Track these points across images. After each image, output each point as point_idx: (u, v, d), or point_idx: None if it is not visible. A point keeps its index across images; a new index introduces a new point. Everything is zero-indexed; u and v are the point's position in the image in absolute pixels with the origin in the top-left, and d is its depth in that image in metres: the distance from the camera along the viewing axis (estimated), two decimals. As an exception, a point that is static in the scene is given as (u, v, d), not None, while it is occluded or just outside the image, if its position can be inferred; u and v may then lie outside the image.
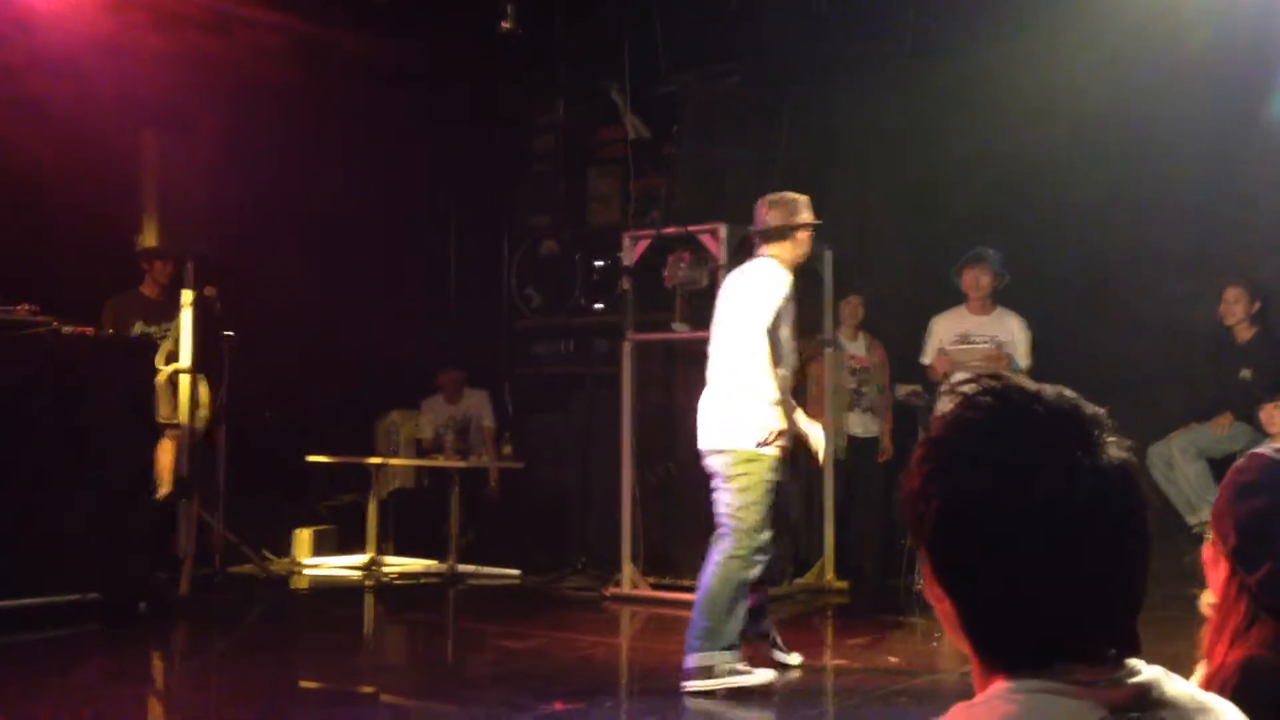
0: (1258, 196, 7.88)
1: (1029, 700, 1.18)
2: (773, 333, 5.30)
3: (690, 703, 5.10)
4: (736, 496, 5.17)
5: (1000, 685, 1.20)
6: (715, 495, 5.26)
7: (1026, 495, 1.18)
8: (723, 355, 5.38)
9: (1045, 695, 1.18)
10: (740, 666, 5.09)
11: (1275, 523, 1.71)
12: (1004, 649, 1.22)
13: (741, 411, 5.21)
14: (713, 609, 5.08)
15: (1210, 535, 1.82)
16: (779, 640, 5.69)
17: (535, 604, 7.81)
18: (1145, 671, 1.23)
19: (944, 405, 1.55)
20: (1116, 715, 1.17)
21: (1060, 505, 1.18)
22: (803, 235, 5.53)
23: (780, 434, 5.19)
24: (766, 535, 5.17)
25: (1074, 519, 1.18)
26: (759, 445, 5.17)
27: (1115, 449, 1.22)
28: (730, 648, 5.10)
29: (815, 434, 5.67)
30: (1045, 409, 1.22)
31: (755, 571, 5.16)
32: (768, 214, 5.53)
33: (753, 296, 5.36)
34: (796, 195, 5.59)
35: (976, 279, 8.04)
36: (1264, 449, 1.82)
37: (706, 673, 5.06)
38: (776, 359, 5.33)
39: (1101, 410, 1.25)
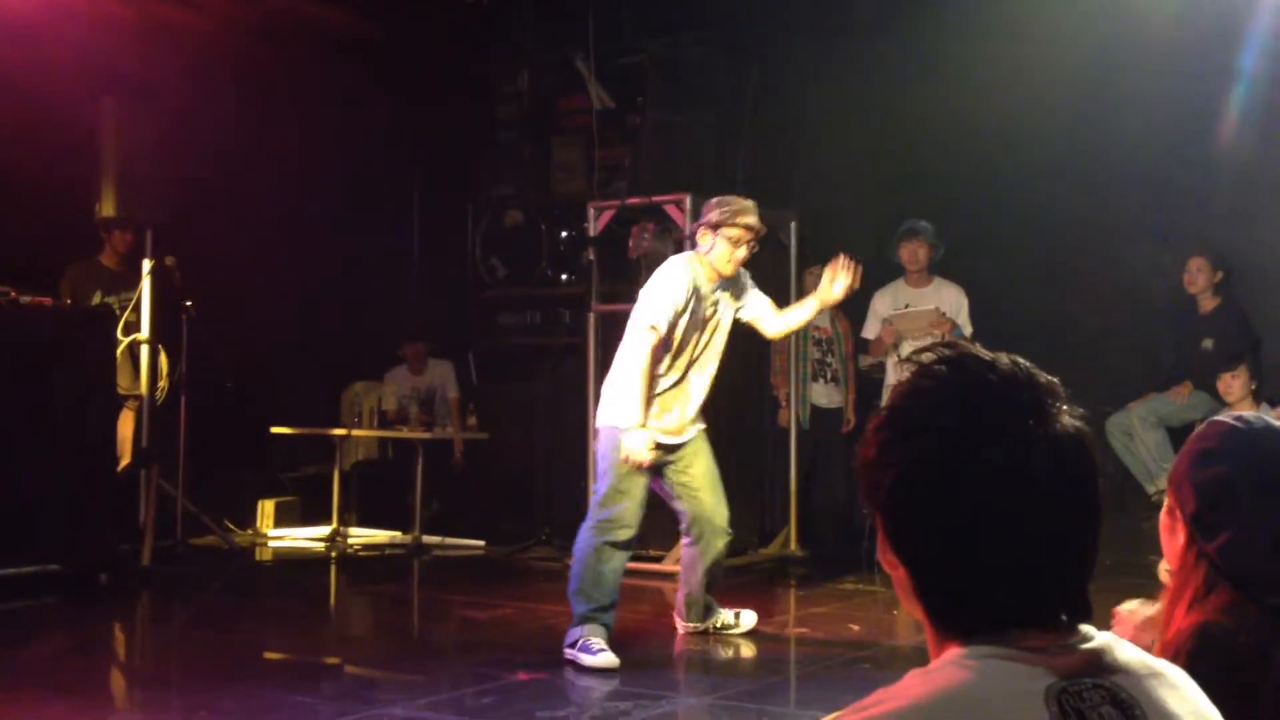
0: (1218, 166, 7.94)
1: (982, 666, 1.18)
2: (669, 331, 5.33)
3: (656, 670, 5.13)
4: (598, 470, 5.44)
5: (954, 651, 1.21)
6: None
7: (980, 462, 1.19)
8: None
9: (998, 661, 1.19)
10: (592, 643, 5.13)
11: (1235, 490, 1.73)
12: (957, 616, 1.23)
13: (611, 394, 5.41)
14: (576, 574, 5.30)
15: (1167, 502, 1.83)
16: (719, 613, 5.82)
17: (500, 574, 7.82)
18: (1097, 638, 1.24)
19: (895, 375, 1.55)
20: (1068, 681, 1.18)
21: (1014, 472, 1.19)
22: (730, 235, 5.46)
23: (632, 455, 5.25)
24: (611, 511, 5.28)
25: (1027, 486, 1.20)
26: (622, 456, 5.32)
27: (1068, 417, 1.24)
28: (587, 620, 5.18)
29: (825, 293, 5.76)
30: (999, 377, 1.23)
31: (604, 539, 5.27)
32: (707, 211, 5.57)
33: (648, 290, 5.43)
34: (737, 199, 5.58)
35: (914, 252, 8.13)
36: (1223, 416, 1.84)
37: (574, 643, 5.18)
38: (667, 353, 5.37)
39: (1055, 379, 1.26)
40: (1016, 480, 1.19)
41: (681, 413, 5.51)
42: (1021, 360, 1.26)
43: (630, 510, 5.32)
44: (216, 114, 8.36)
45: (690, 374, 5.50)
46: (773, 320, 5.76)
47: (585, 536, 5.35)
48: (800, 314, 5.85)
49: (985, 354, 1.26)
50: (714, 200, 5.60)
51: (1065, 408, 1.24)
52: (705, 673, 5.31)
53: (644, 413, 5.27)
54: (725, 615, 5.84)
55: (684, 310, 5.38)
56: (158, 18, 8.09)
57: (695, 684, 5.16)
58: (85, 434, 6.83)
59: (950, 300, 8.12)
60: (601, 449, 5.42)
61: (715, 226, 5.46)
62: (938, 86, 8.39)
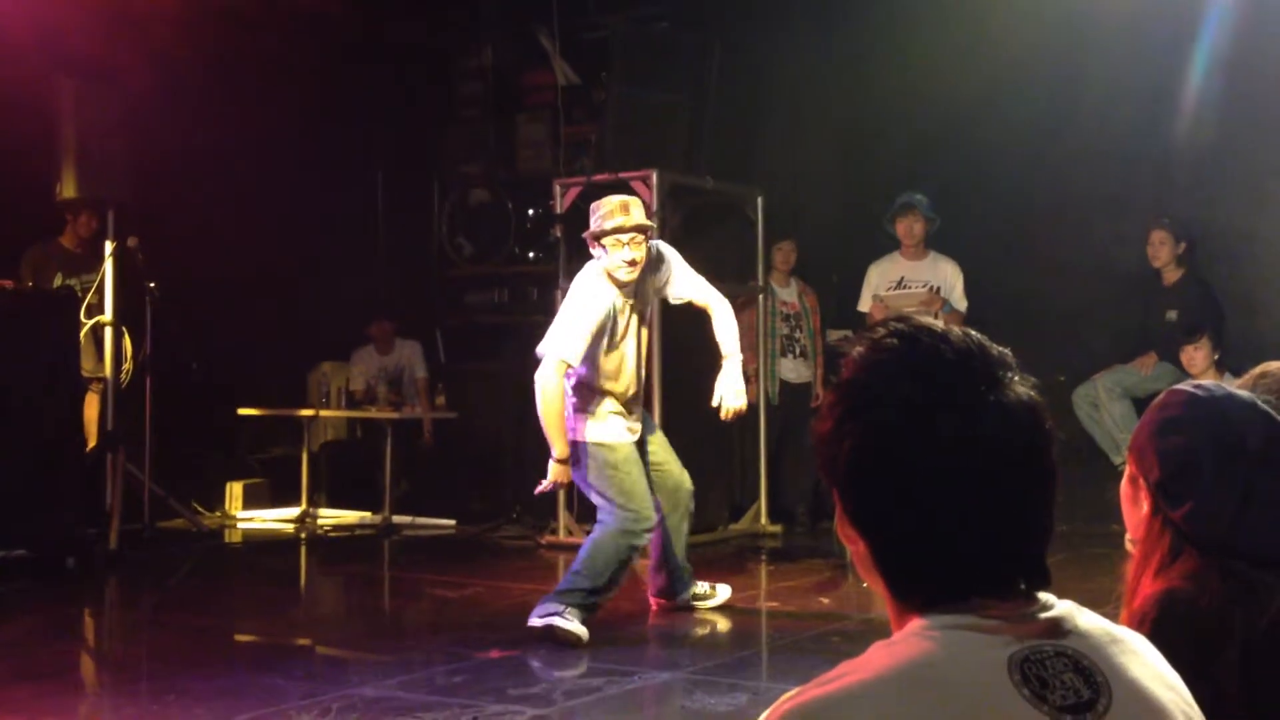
0: (1181, 140, 7.99)
1: (944, 636, 1.19)
2: (591, 348, 5.26)
3: (628, 646, 5.15)
4: (588, 480, 5.43)
5: (916, 623, 1.22)
6: None
7: (933, 431, 1.20)
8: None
9: (960, 631, 1.20)
10: (570, 613, 5.19)
11: (1198, 457, 1.74)
12: (917, 587, 1.24)
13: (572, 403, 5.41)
14: (586, 569, 5.30)
15: (1129, 471, 1.84)
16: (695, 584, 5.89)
17: (471, 553, 7.81)
18: (1057, 606, 1.25)
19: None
20: (1030, 648, 1.19)
21: (966, 440, 1.20)
22: (608, 242, 5.29)
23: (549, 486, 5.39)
24: (634, 506, 5.31)
25: (981, 454, 1.21)
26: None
27: (1021, 386, 1.25)
28: (575, 603, 5.22)
29: (726, 386, 5.53)
30: (951, 349, 1.24)
31: (633, 545, 5.34)
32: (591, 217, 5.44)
33: (565, 308, 5.35)
34: (614, 197, 5.43)
35: (910, 227, 8.16)
36: (1185, 385, 1.85)
37: (551, 612, 5.21)
38: (610, 368, 5.35)
39: (1007, 350, 1.27)
40: (969, 448, 1.20)
41: (639, 405, 5.56)
42: (974, 333, 1.27)
43: (648, 499, 5.34)
44: (177, 94, 8.27)
45: (636, 371, 5.49)
46: (702, 305, 5.67)
47: (611, 538, 5.27)
48: (722, 343, 5.61)
49: (937, 327, 1.27)
50: (591, 207, 5.48)
51: (1017, 378, 1.25)
52: (677, 648, 5.32)
53: (564, 441, 5.29)
54: (701, 585, 5.86)
55: (603, 329, 5.29)
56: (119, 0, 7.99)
57: (667, 659, 5.18)
58: (50, 418, 6.77)
59: (945, 274, 8.16)
60: (583, 465, 5.36)
61: (596, 238, 5.33)
62: (902, 62, 8.41)
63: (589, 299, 5.30)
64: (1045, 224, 8.44)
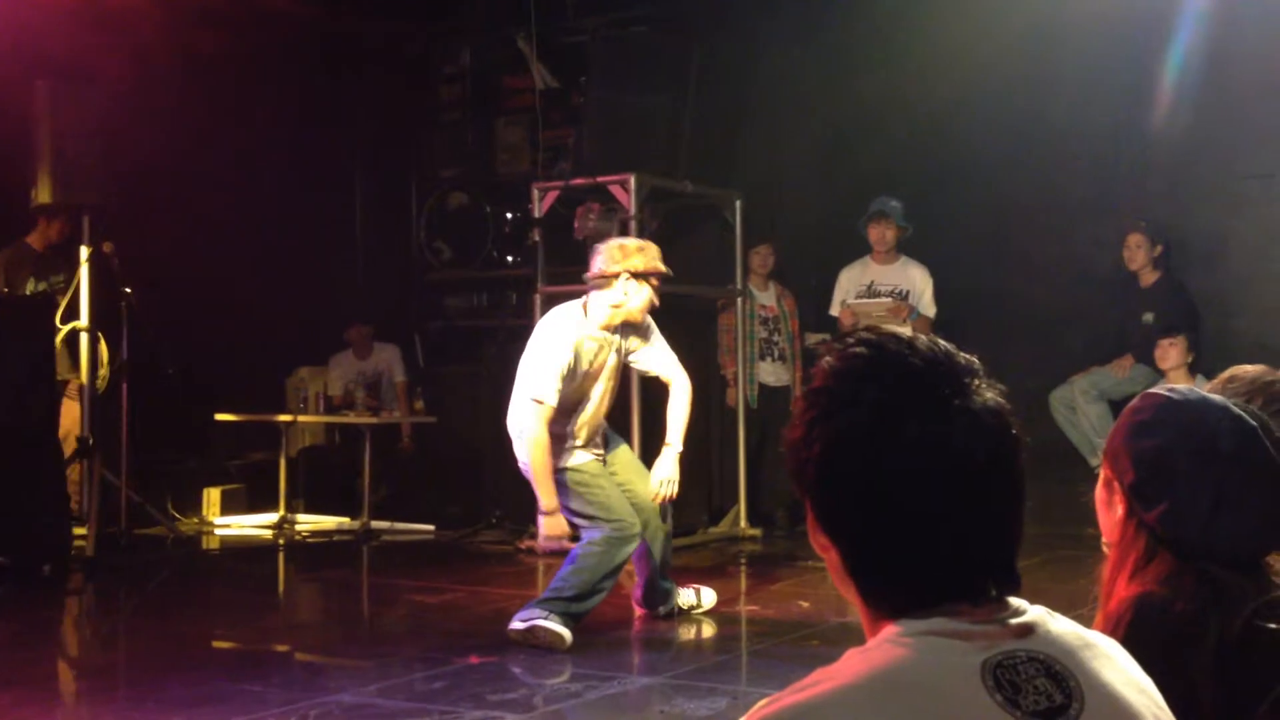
0: (1156, 143, 8.04)
1: (918, 643, 1.20)
2: (565, 388, 5.24)
3: (608, 651, 5.14)
4: (571, 509, 5.39)
5: (889, 630, 1.23)
6: None
7: (900, 436, 1.21)
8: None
9: (932, 637, 1.20)
10: (555, 618, 5.18)
11: (1172, 459, 1.75)
12: (888, 593, 1.25)
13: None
14: (572, 582, 5.27)
15: (1104, 475, 1.85)
16: (679, 594, 5.87)
17: (450, 559, 7.79)
18: (1030, 611, 1.26)
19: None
20: (1003, 654, 1.20)
21: (933, 445, 1.21)
22: (639, 282, 5.34)
23: (551, 539, 5.27)
24: (617, 518, 5.31)
25: (947, 459, 1.21)
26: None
27: (987, 392, 1.26)
28: (558, 611, 5.20)
29: (662, 473, 5.49)
30: (918, 356, 1.26)
31: (620, 560, 5.31)
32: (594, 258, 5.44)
33: (531, 352, 5.32)
34: (633, 240, 5.53)
35: (882, 233, 8.23)
36: (1158, 389, 1.87)
37: (536, 616, 5.20)
38: (570, 410, 5.33)
39: (974, 358, 1.28)
40: (936, 454, 1.21)
41: (601, 428, 5.54)
42: (941, 341, 1.29)
43: (627, 506, 5.33)
44: (154, 98, 8.23)
45: (597, 413, 5.47)
46: (666, 380, 5.61)
47: (598, 549, 5.24)
48: (670, 428, 5.56)
49: (905, 335, 1.29)
50: (610, 243, 5.50)
51: (984, 384, 1.26)
52: (657, 653, 5.32)
53: (552, 492, 5.22)
54: (686, 595, 5.84)
55: (572, 371, 5.28)
56: (95, 1, 7.95)
57: (647, 664, 5.18)
58: (26, 424, 6.73)
59: (915, 280, 8.23)
60: (560, 498, 5.31)
61: (636, 275, 5.31)
62: (881, 64, 8.44)
63: (555, 339, 5.27)
64: (1021, 226, 8.48)
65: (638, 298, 5.34)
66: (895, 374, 1.24)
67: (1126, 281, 8.01)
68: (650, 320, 5.54)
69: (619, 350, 5.47)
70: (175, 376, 8.08)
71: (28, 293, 7.70)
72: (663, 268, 5.40)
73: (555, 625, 5.10)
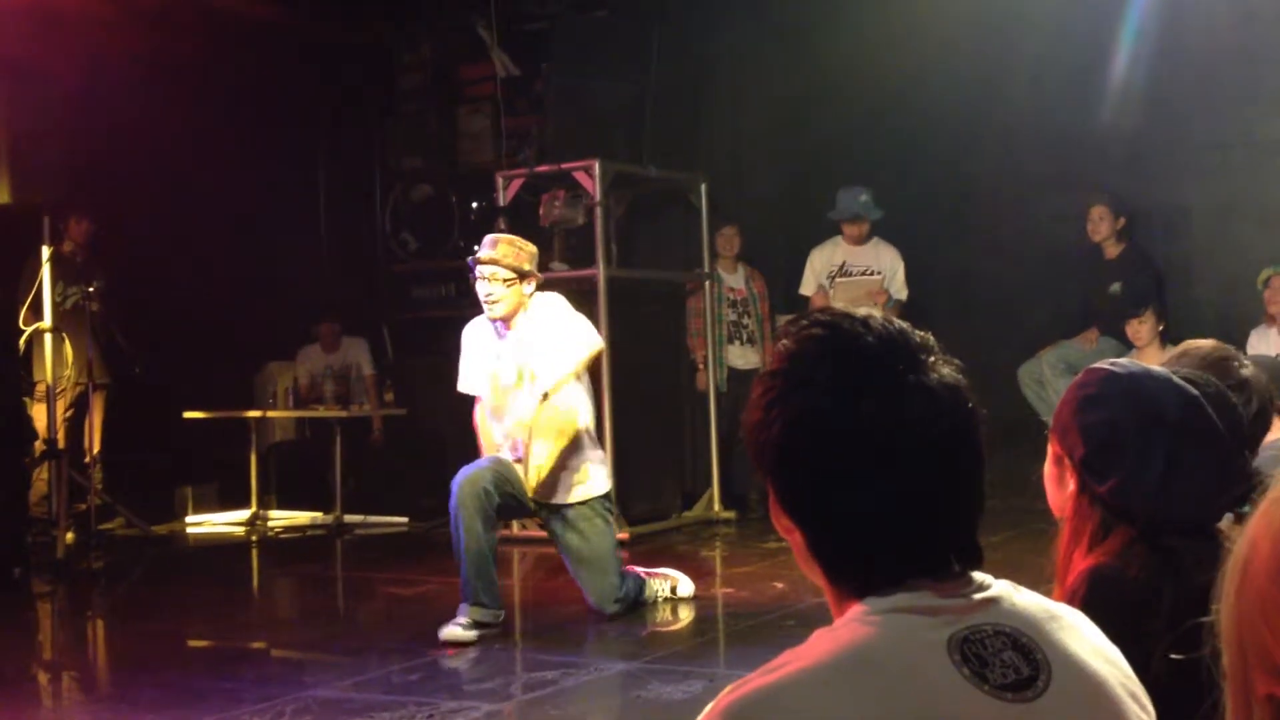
0: (1116, 116, 8.07)
1: (884, 620, 1.20)
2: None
3: (583, 638, 5.15)
4: None
5: (855, 609, 1.23)
6: None
7: (856, 413, 1.22)
8: None
9: (898, 614, 1.21)
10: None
11: (1120, 432, 1.78)
12: (852, 572, 1.25)
13: None
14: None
15: (1052, 451, 1.87)
16: (651, 586, 5.82)
17: (423, 551, 7.77)
18: (995, 585, 1.27)
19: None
20: (969, 629, 1.20)
21: (890, 422, 1.22)
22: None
23: None
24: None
25: (904, 434, 1.22)
26: None
27: (943, 367, 1.26)
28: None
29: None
30: (872, 334, 1.26)
31: None
32: None
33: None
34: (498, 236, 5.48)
35: (859, 230, 8.26)
36: (1102, 364, 1.89)
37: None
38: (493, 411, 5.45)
39: (929, 335, 1.29)
40: (893, 430, 1.22)
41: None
42: (897, 320, 1.30)
43: (468, 481, 5.27)
44: (114, 96, 8.15)
45: (515, 425, 5.41)
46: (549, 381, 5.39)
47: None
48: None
49: (859, 315, 1.29)
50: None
51: (940, 359, 1.27)
52: (633, 638, 5.33)
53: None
54: (661, 587, 5.79)
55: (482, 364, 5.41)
56: (49, 2, 7.86)
57: (622, 649, 5.18)
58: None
59: (886, 261, 8.26)
60: None
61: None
62: (840, 45, 8.44)
63: (464, 339, 5.53)
64: (984, 201, 8.52)
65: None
66: (850, 353, 1.25)
67: (1091, 254, 8.05)
68: (544, 316, 5.47)
69: (526, 360, 5.52)
70: (143, 375, 8.01)
71: (58, 301, 7.55)
72: (471, 257, 5.41)
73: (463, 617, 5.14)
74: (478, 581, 5.14)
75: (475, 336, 5.55)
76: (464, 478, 5.19)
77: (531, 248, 5.44)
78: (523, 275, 5.32)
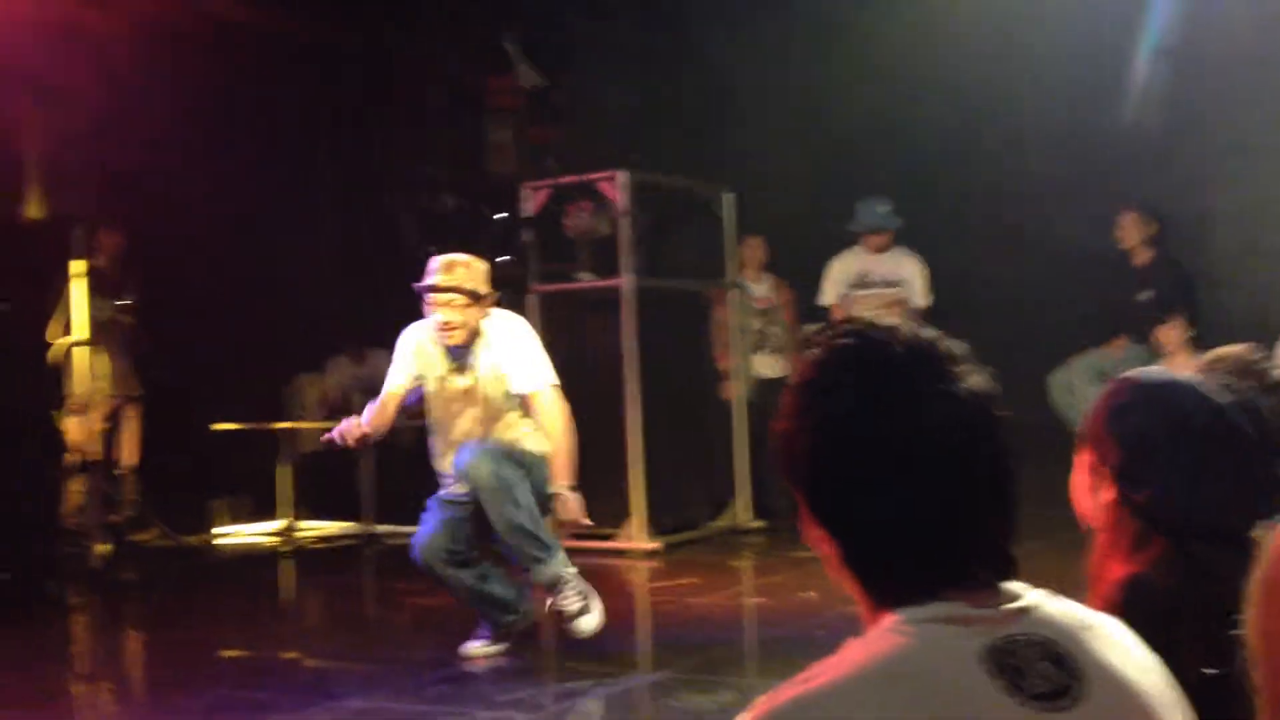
0: (1142, 119, 8.03)
1: (918, 631, 1.21)
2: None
3: (614, 647, 5.15)
4: None
5: (889, 619, 1.24)
6: None
7: (884, 424, 1.23)
8: None
9: (932, 624, 1.21)
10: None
11: (1154, 440, 1.78)
12: (885, 583, 1.26)
13: None
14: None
15: (1085, 461, 1.87)
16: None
17: (453, 560, 7.78)
18: (1028, 595, 1.27)
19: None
20: (1003, 639, 1.21)
21: (919, 431, 1.23)
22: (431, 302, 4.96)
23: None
24: None
25: (922, 442, 1.23)
26: None
27: (972, 377, 1.27)
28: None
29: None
30: (901, 344, 1.27)
31: None
32: None
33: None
34: (446, 256, 5.11)
35: (880, 240, 8.29)
36: (1128, 373, 1.90)
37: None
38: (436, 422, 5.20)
39: (960, 344, 1.29)
40: (910, 437, 1.22)
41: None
42: (925, 330, 1.30)
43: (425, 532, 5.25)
44: (145, 112, 8.22)
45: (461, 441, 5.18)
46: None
47: None
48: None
49: (888, 324, 1.30)
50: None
51: (968, 369, 1.27)
52: (663, 647, 5.33)
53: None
54: (575, 582, 5.07)
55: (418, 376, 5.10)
56: (77, 19, 7.93)
57: (653, 659, 5.19)
58: (26, 439, 6.73)
59: (907, 270, 8.23)
60: None
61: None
62: (864, 55, 8.44)
63: (401, 339, 5.14)
64: (1015, 211, 8.46)
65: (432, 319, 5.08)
66: (876, 362, 1.26)
67: (1119, 261, 8.01)
68: (499, 339, 5.16)
69: (476, 384, 5.20)
70: (175, 388, 8.07)
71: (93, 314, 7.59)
72: (425, 283, 5.02)
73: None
74: (484, 607, 5.11)
75: (417, 341, 5.15)
76: (421, 544, 5.07)
77: (483, 264, 5.09)
78: (478, 298, 4.98)
